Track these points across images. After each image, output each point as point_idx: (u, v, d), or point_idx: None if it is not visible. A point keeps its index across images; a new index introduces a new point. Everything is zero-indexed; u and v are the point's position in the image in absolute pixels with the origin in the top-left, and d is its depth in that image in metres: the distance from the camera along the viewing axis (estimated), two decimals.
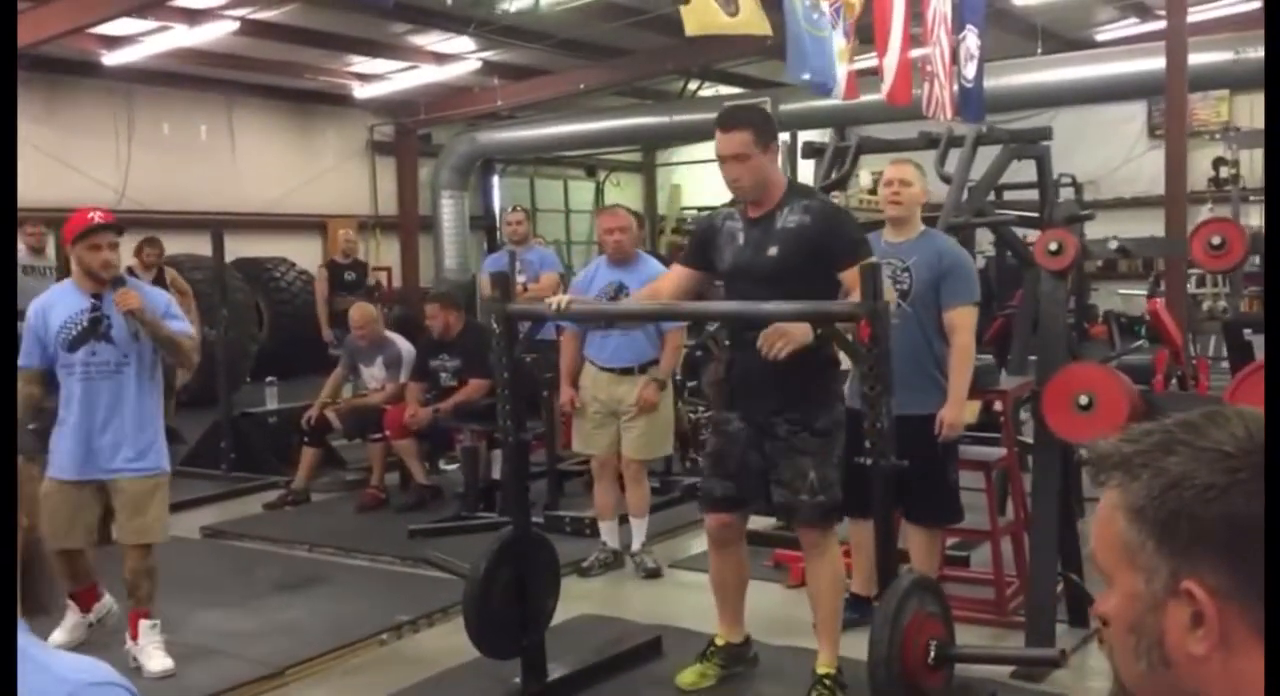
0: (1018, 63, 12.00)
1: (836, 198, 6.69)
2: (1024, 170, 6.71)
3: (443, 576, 5.44)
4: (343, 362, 7.58)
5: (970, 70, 7.95)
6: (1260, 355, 4.53)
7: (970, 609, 4.44)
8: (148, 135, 13.08)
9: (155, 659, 4.25)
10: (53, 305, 4.28)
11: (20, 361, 4.21)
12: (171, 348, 4.30)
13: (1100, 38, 13.56)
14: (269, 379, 8.86)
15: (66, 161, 11.91)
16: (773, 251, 3.70)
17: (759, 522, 5.09)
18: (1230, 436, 0.91)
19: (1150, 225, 10.49)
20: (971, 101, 7.90)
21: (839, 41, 6.19)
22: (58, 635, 4.33)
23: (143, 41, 11.36)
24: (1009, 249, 6.71)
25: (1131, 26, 13.26)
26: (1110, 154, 15.37)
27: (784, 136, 13.43)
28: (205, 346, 10.04)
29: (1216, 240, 3.79)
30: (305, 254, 13.84)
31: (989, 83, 8.63)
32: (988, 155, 6.01)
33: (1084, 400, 3.71)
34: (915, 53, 7.52)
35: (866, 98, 8.15)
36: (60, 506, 4.18)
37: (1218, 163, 12.92)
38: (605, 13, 11.97)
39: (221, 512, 7.03)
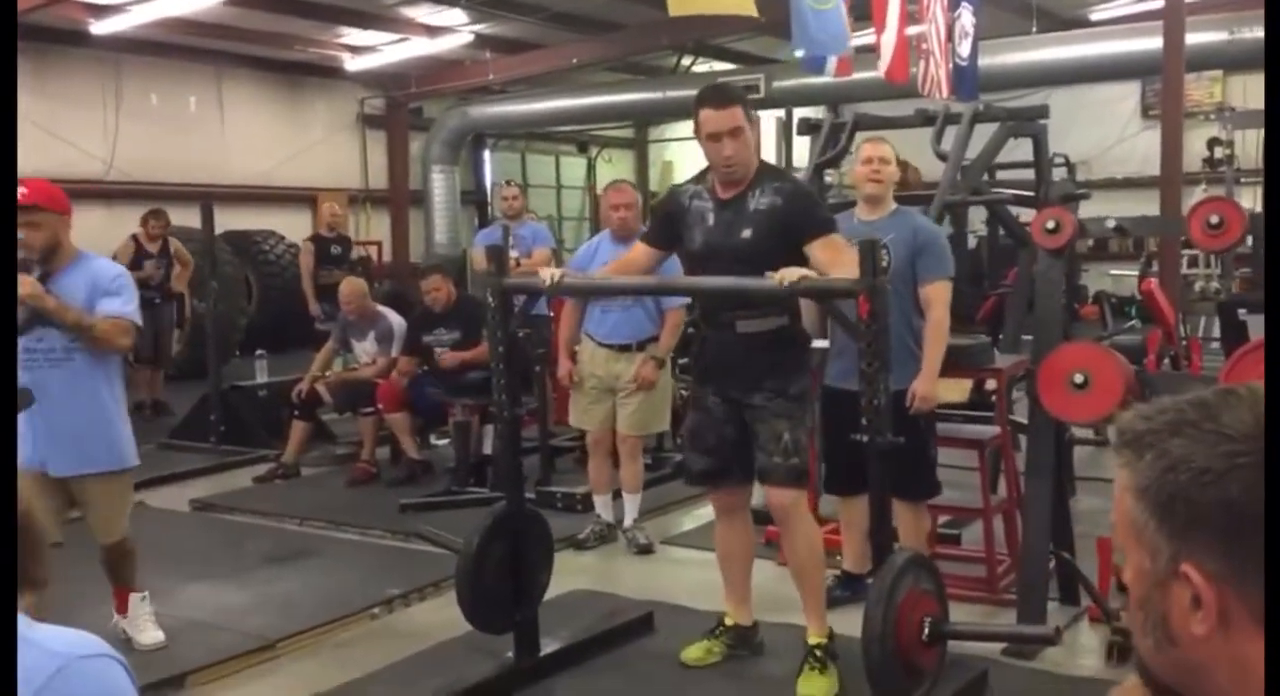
0: (1012, 41, 11.93)
1: (831, 175, 6.66)
2: (1016, 150, 6.68)
3: (434, 551, 5.38)
4: (334, 337, 7.55)
5: (965, 48, 7.94)
6: (1254, 335, 4.55)
7: (962, 586, 4.45)
8: (136, 106, 12.94)
9: (146, 632, 4.23)
10: None
11: None
12: (81, 334, 3.85)
13: (1095, 17, 13.51)
14: (258, 352, 8.84)
15: (54, 132, 11.77)
16: (746, 233, 3.69)
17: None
18: (1237, 420, 0.90)
19: (1143, 206, 10.48)
20: (966, 79, 7.89)
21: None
22: None
23: (131, 10, 11.20)
24: (1004, 227, 6.70)
25: (1126, 6, 13.20)
26: (1103, 134, 15.37)
27: (779, 113, 13.46)
28: (194, 318, 10.11)
29: (1215, 219, 3.78)
30: (294, 227, 13.72)
31: (983, 61, 8.60)
32: (983, 134, 5.98)
33: (1079, 379, 3.71)
34: (911, 30, 7.48)
35: (860, 75, 8.13)
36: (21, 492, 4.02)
37: (1212, 143, 12.89)
38: None
39: (211, 486, 7.01)
